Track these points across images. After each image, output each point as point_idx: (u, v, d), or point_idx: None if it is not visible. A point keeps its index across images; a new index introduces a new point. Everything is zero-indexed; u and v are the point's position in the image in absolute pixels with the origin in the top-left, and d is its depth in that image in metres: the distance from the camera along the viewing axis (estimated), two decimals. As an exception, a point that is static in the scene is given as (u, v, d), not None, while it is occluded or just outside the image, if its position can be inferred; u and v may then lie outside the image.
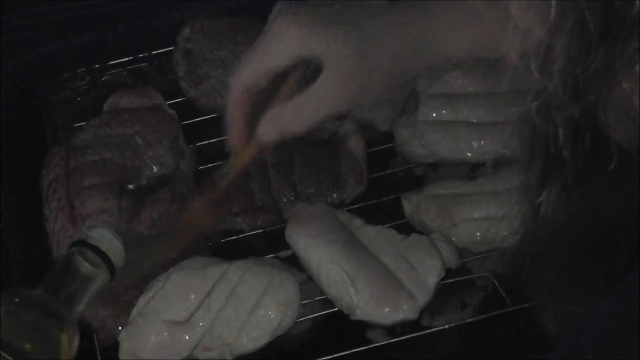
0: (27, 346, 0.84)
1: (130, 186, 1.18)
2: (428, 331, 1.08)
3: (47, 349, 0.85)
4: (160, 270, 1.05)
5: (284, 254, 1.13)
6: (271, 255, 1.13)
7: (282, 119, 0.89)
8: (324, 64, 0.86)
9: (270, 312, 1.03)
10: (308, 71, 0.87)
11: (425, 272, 1.07)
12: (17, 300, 0.87)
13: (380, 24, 0.86)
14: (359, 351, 1.07)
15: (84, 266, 0.91)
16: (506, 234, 1.11)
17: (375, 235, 1.10)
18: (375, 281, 1.05)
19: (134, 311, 1.05)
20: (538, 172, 0.69)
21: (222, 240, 1.16)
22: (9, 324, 0.84)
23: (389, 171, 1.21)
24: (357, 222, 1.12)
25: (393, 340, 1.08)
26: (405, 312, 1.05)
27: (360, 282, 1.05)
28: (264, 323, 1.03)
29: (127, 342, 1.03)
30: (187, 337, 1.02)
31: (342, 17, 0.87)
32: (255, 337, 1.03)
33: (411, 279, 1.06)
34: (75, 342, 0.89)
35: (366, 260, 1.07)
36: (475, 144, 1.16)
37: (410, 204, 1.15)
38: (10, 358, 0.81)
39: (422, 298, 1.06)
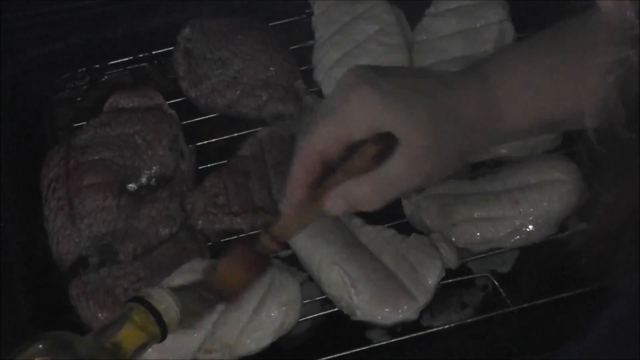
0: None
1: (130, 186, 1.18)
2: (428, 331, 1.08)
3: None
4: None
5: (283, 253, 1.13)
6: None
7: (353, 196, 0.83)
8: (402, 139, 0.80)
9: (272, 313, 1.03)
10: (385, 145, 0.81)
11: (425, 273, 1.07)
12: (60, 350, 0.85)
13: (455, 97, 0.82)
14: (359, 351, 1.07)
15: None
16: (506, 234, 1.11)
17: (375, 235, 1.10)
18: (376, 282, 1.05)
19: None
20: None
21: (222, 240, 1.16)
22: None
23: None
24: (357, 221, 1.12)
25: (393, 340, 1.08)
26: (405, 312, 1.05)
27: (361, 283, 1.05)
28: (266, 324, 1.03)
29: None
30: (190, 340, 1.02)
31: (419, 90, 0.82)
32: (258, 338, 1.03)
33: (411, 279, 1.06)
34: None
35: (366, 260, 1.07)
36: (475, 144, 1.16)
37: (410, 204, 1.15)
38: None
39: (422, 298, 1.06)
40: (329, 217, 1.10)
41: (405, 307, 1.05)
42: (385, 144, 0.81)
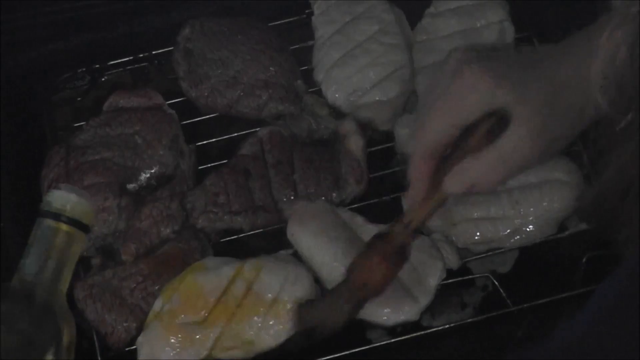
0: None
1: (131, 186, 1.18)
2: (428, 331, 1.08)
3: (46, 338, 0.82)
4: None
5: (283, 253, 1.13)
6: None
7: (471, 174, 0.85)
8: (514, 115, 0.81)
9: (288, 308, 1.03)
10: (495, 123, 0.83)
11: (427, 273, 1.07)
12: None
13: (559, 68, 0.82)
14: (359, 351, 1.08)
15: (58, 237, 0.87)
16: (506, 234, 1.11)
17: None
18: None
19: (151, 315, 1.05)
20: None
21: (221, 240, 1.16)
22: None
23: (388, 171, 1.21)
24: (359, 220, 1.12)
25: (393, 340, 1.08)
26: (406, 313, 1.05)
27: None
28: (283, 318, 1.03)
29: (146, 346, 1.03)
30: (205, 337, 1.02)
31: (527, 67, 0.83)
32: (275, 333, 1.03)
33: (412, 280, 1.06)
34: (72, 328, 0.86)
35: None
36: (475, 144, 1.16)
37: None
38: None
39: (424, 299, 1.06)
40: (331, 215, 1.11)
41: (407, 308, 1.05)
42: (497, 120, 0.82)
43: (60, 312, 0.84)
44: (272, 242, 1.17)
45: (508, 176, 0.87)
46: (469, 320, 1.09)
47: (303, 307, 1.02)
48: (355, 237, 1.10)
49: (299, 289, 1.04)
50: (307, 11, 1.33)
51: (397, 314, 1.05)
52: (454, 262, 1.09)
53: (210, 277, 1.05)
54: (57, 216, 0.87)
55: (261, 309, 1.03)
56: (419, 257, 1.07)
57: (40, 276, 0.85)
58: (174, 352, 1.02)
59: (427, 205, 0.91)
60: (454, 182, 0.87)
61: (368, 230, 1.11)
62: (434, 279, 1.06)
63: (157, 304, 1.05)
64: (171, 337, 1.02)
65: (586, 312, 0.77)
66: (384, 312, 1.05)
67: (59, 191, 0.88)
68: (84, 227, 0.88)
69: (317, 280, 1.09)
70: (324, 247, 1.08)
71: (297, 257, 1.11)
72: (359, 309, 0.99)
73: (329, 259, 1.07)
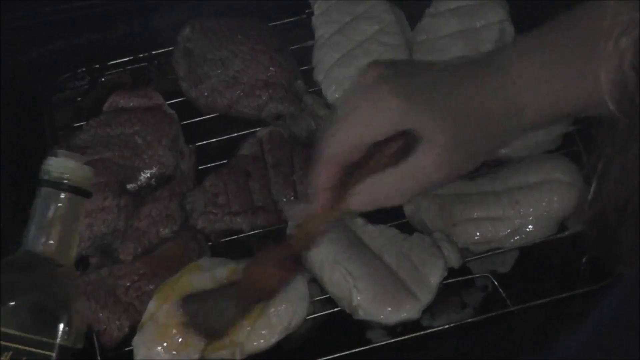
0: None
1: (130, 186, 1.18)
2: (428, 331, 1.08)
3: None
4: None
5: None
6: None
7: (377, 192, 0.85)
8: (422, 136, 0.81)
9: (280, 310, 1.03)
10: (404, 143, 0.83)
11: (428, 272, 1.07)
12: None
13: (473, 90, 0.83)
14: (359, 351, 1.07)
15: (60, 205, 0.86)
16: (506, 234, 1.11)
17: (377, 235, 1.10)
18: (378, 281, 1.05)
19: (145, 316, 1.05)
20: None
21: (221, 240, 1.16)
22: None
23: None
24: (359, 221, 1.12)
25: (393, 340, 1.08)
26: (407, 312, 1.05)
27: (363, 282, 1.05)
28: (275, 321, 1.03)
29: (142, 347, 1.03)
30: (199, 339, 1.02)
31: (438, 87, 0.83)
32: (266, 335, 1.03)
33: (413, 279, 1.06)
34: (79, 295, 0.85)
35: (369, 259, 1.07)
36: (475, 144, 1.16)
37: (410, 203, 1.15)
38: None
39: (425, 298, 1.06)
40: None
41: (408, 306, 1.05)
42: (406, 140, 0.83)
43: (68, 280, 0.84)
44: (272, 242, 1.17)
45: (414, 193, 0.87)
46: (469, 320, 1.09)
47: (189, 300, 0.98)
48: (355, 239, 1.10)
49: (291, 291, 1.04)
50: (307, 11, 1.33)
51: (398, 313, 1.05)
52: (455, 260, 1.09)
53: (205, 278, 1.05)
54: (57, 184, 0.85)
55: (253, 310, 1.03)
56: (420, 256, 1.07)
57: (44, 246, 0.85)
58: (169, 352, 1.02)
59: (327, 215, 0.89)
60: (360, 200, 0.86)
61: (368, 231, 1.11)
62: (435, 278, 1.06)
63: (152, 305, 1.05)
64: (165, 338, 1.02)
65: (586, 326, 0.78)
66: (385, 311, 1.05)
67: (56, 158, 0.86)
68: (84, 193, 0.87)
69: (314, 281, 1.09)
70: (323, 247, 1.07)
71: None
72: (244, 312, 0.97)
73: (330, 260, 1.07)
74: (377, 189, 0.85)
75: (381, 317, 1.05)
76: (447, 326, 1.08)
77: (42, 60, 1.30)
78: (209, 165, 1.22)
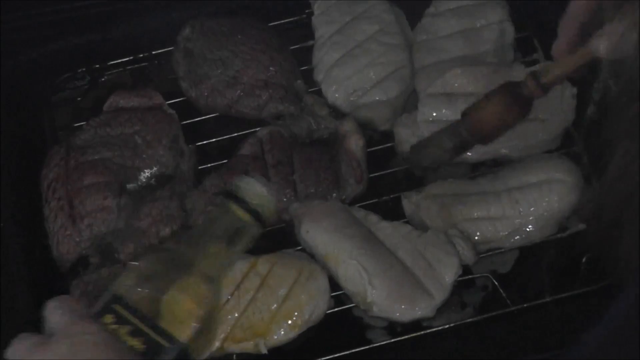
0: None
1: (130, 185, 1.18)
2: (428, 331, 1.08)
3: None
4: None
5: (290, 251, 1.12)
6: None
7: (621, 33, 0.84)
8: None
9: (301, 303, 1.04)
10: None
11: (442, 270, 1.07)
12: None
13: None
14: (359, 351, 1.08)
15: (236, 218, 0.85)
16: (506, 233, 1.11)
17: (391, 232, 1.10)
18: (393, 278, 1.06)
19: None
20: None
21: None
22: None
23: (388, 171, 1.21)
24: (373, 218, 1.12)
25: (393, 340, 1.08)
26: (422, 309, 1.05)
27: (378, 278, 1.05)
28: (296, 313, 1.04)
29: None
30: (217, 329, 1.02)
31: None
32: (288, 328, 1.04)
33: (428, 276, 1.06)
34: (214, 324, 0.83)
35: (384, 256, 1.07)
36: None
37: (410, 203, 1.15)
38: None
39: (439, 296, 1.06)
40: (346, 213, 1.11)
41: (423, 304, 1.05)
42: None
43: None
44: (272, 242, 1.17)
45: None
46: (469, 320, 1.09)
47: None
48: (370, 235, 1.10)
49: (312, 284, 1.05)
50: (307, 11, 1.33)
51: (412, 310, 1.05)
52: (469, 257, 1.09)
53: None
54: (241, 202, 0.86)
55: (274, 302, 1.03)
56: (435, 254, 1.07)
57: (208, 259, 0.84)
58: None
59: (567, 61, 0.91)
60: (601, 42, 0.87)
61: (382, 227, 1.11)
62: (450, 276, 1.06)
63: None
64: None
65: (593, 335, 0.78)
66: (400, 308, 1.05)
67: (250, 179, 0.87)
68: (261, 221, 0.87)
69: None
70: (339, 243, 1.08)
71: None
72: (463, 150, 1.00)
73: (346, 256, 1.07)
74: (620, 31, 0.84)
75: (396, 314, 1.05)
76: (447, 326, 1.08)
77: (42, 60, 1.30)
78: (209, 165, 1.22)
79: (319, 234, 1.09)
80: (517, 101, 0.96)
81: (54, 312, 0.76)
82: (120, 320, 0.75)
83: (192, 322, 0.77)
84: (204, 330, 0.78)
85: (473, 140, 1.01)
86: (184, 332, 0.75)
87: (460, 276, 1.09)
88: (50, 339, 0.73)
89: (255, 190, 0.86)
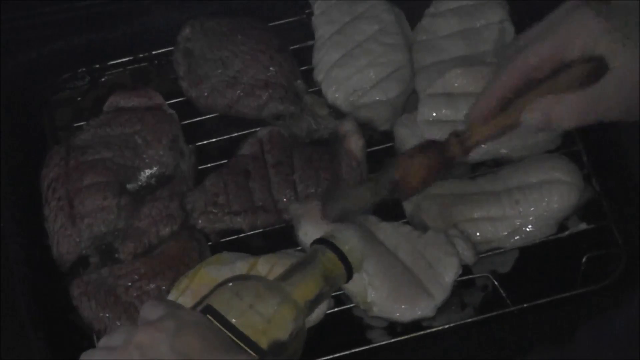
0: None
1: (130, 185, 1.18)
2: (428, 331, 1.08)
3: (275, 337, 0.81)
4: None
5: (291, 251, 1.12)
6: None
7: (552, 111, 0.86)
8: (613, 65, 0.83)
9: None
10: (590, 69, 0.84)
11: (442, 270, 1.07)
12: (250, 283, 0.84)
13: None
14: (359, 351, 1.08)
15: (324, 264, 0.88)
16: (506, 234, 1.11)
17: (391, 232, 1.10)
18: (393, 278, 1.06)
19: None
20: None
21: (221, 240, 1.16)
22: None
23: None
24: (373, 218, 1.12)
25: (393, 340, 1.08)
26: (422, 309, 1.05)
27: (378, 279, 1.05)
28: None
29: None
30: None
31: (631, 15, 0.84)
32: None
33: (428, 277, 1.06)
34: (299, 347, 0.85)
35: (384, 256, 1.07)
36: (475, 144, 1.16)
37: (410, 203, 1.15)
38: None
39: (440, 296, 1.06)
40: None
41: (423, 304, 1.05)
42: (593, 67, 0.84)
43: (299, 317, 0.85)
44: (271, 242, 1.17)
45: (589, 121, 0.87)
46: (469, 320, 1.09)
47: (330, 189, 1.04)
48: (370, 236, 1.10)
49: None
50: (307, 11, 1.33)
51: (413, 310, 1.05)
52: (469, 257, 1.09)
53: (224, 271, 1.05)
54: (335, 249, 0.89)
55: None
56: (435, 254, 1.07)
57: (297, 293, 0.86)
58: None
59: (491, 124, 0.91)
60: (533, 114, 0.87)
61: (382, 228, 1.11)
62: (449, 276, 1.06)
63: (171, 297, 1.05)
64: None
65: (586, 326, 0.79)
66: (400, 308, 1.05)
67: (347, 230, 0.94)
68: (349, 272, 0.90)
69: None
70: None
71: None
72: (380, 198, 1.00)
73: None
74: (554, 108, 0.85)
75: (396, 314, 1.05)
76: (447, 326, 1.08)
77: (42, 60, 1.30)
78: (209, 165, 1.23)
79: (319, 234, 1.09)
80: (439, 162, 0.96)
81: (156, 306, 0.76)
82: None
83: (280, 341, 0.80)
84: (285, 352, 0.81)
85: (393, 196, 1.01)
86: (271, 349, 0.79)
87: (460, 276, 1.09)
88: (154, 319, 0.73)
89: (347, 238, 0.90)
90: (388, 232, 1.11)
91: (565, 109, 0.85)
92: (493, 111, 0.90)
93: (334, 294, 1.08)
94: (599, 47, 0.83)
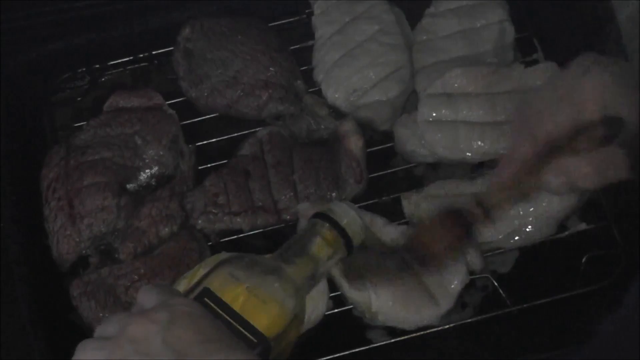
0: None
1: (130, 185, 1.18)
2: (428, 331, 1.08)
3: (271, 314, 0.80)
4: None
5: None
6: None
7: (572, 174, 0.85)
8: (629, 127, 0.83)
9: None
10: (608, 129, 0.84)
11: (450, 278, 1.06)
12: (247, 261, 0.83)
13: None
14: (359, 351, 1.08)
15: (323, 239, 0.87)
16: (505, 234, 1.11)
17: (397, 236, 1.10)
18: (399, 284, 1.05)
19: None
20: None
21: (221, 240, 1.16)
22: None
23: (388, 171, 1.21)
24: (379, 221, 1.12)
25: (393, 340, 1.08)
26: (428, 318, 1.05)
27: (383, 286, 1.05)
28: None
29: None
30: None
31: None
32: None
33: (435, 283, 1.06)
34: (299, 325, 0.84)
35: (389, 261, 1.07)
36: (475, 144, 1.16)
37: (410, 203, 1.15)
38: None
39: (445, 305, 1.06)
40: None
41: (429, 313, 1.05)
42: (610, 128, 0.84)
43: (298, 293, 0.84)
44: (271, 242, 1.17)
45: (611, 180, 0.86)
46: (469, 320, 1.09)
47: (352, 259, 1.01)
48: (376, 239, 1.10)
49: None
50: (307, 11, 1.33)
51: (418, 319, 1.05)
52: (477, 265, 1.09)
53: None
54: (333, 223, 0.88)
55: None
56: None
57: (295, 270, 0.85)
58: None
59: (513, 191, 0.90)
60: (556, 177, 0.86)
61: (389, 231, 1.10)
62: (457, 284, 1.06)
63: None
64: None
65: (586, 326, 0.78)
66: (405, 316, 1.05)
67: (344, 204, 0.90)
68: (349, 246, 0.89)
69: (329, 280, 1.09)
70: None
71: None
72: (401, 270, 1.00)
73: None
74: (576, 170, 0.85)
75: (401, 322, 1.05)
76: (447, 326, 1.08)
77: (42, 60, 1.30)
78: (209, 165, 1.23)
79: None
80: (460, 228, 0.93)
81: (149, 292, 0.75)
82: (211, 312, 0.76)
83: (279, 323, 0.79)
84: (284, 335, 0.79)
85: (412, 261, 1.01)
86: (269, 332, 0.77)
87: (460, 276, 1.09)
88: (147, 309, 0.72)
89: (346, 213, 0.88)
90: (395, 234, 1.10)
91: (588, 170, 0.85)
92: (517, 175, 0.89)
93: (332, 294, 1.08)
94: (616, 107, 0.84)
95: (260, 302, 0.78)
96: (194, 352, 0.68)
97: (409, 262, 1.01)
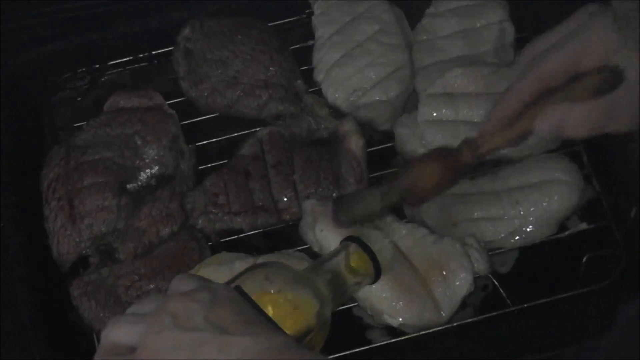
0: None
1: (130, 185, 1.18)
2: (428, 331, 1.08)
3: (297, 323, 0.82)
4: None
5: (291, 251, 1.12)
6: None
7: (565, 119, 0.86)
8: (629, 75, 0.83)
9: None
10: (605, 78, 0.84)
11: (456, 285, 1.06)
12: (278, 270, 0.84)
13: None
14: (359, 351, 1.07)
15: (353, 259, 0.89)
16: (506, 234, 1.11)
17: (405, 234, 1.10)
18: (405, 286, 1.05)
19: None
20: None
21: (221, 240, 1.16)
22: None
23: (388, 171, 1.21)
24: (387, 218, 1.11)
25: (393, 340, 1.08)
26: (431, 323, 1.05)
27: (389, 286, 1.05)
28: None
29: None
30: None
31: None
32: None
33: (440, 288, 1.06)
34: (322, 337, 0.85)
35: (397, 263, 1.06)
36: (475, 144, 1.16)
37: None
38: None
39: (449, 311, 1.06)
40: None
41: (432, 318, 1.05)
42: (607, 77, 0.84)
43: (323, 306, 0.85)
44: (271, 242, 1.17)
45: (603, 131, 0.87)
46: (469, 320, 1.09)
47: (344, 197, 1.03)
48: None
49: None
50: (307, 11, 1.33)
51: (421, 322, 1.05)
52: (483, 269, 1.08)
53: (223, 272, 1.04)
54: (366, 247, 0.90)
55: None
56: (450, 266, 1.06)
57: (324, 285, 0.87)
58: None
59: (504, 134, 0.91)
60: (545, 121, 0.87)
61: (397, 228, 1.10)
62: (462, 292, 1.06)
63: None
64: None
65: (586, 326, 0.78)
66: (409, 318, 1.05)
67: (378, 232, 0.96)
68: (377, 273, 0.91)
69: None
70: None
71: (313, 253, 1.11)
72: (391, 203, 1.00)
73: None
74: (567, 117, 0.85)
75: (404, 324, 1.05)
76: (447, 326, 1.08)
77: (42, 60, 1.30)
78: (209, 165, 1.23)
79: (334, 234, 1.08)
80: (451, 169, 0.96)
81: (185, 278, 0.75)
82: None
83: (307, 330, 0.80)
84: (309, 343, 0.81)
85: (402, 198, 1.01)
86: (297, 337, 0.79)
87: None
88: (187, 290, 0.72)
89: (378, 238, 0.93)
90: (402, 233, 1.10)
91: (578, 119, 0.85)
92: (509, 118, 0.90)
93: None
94: (615, 57, 0.84)
95: (292, 307, 0.80)
96: (237, 330, 0.68)
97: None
